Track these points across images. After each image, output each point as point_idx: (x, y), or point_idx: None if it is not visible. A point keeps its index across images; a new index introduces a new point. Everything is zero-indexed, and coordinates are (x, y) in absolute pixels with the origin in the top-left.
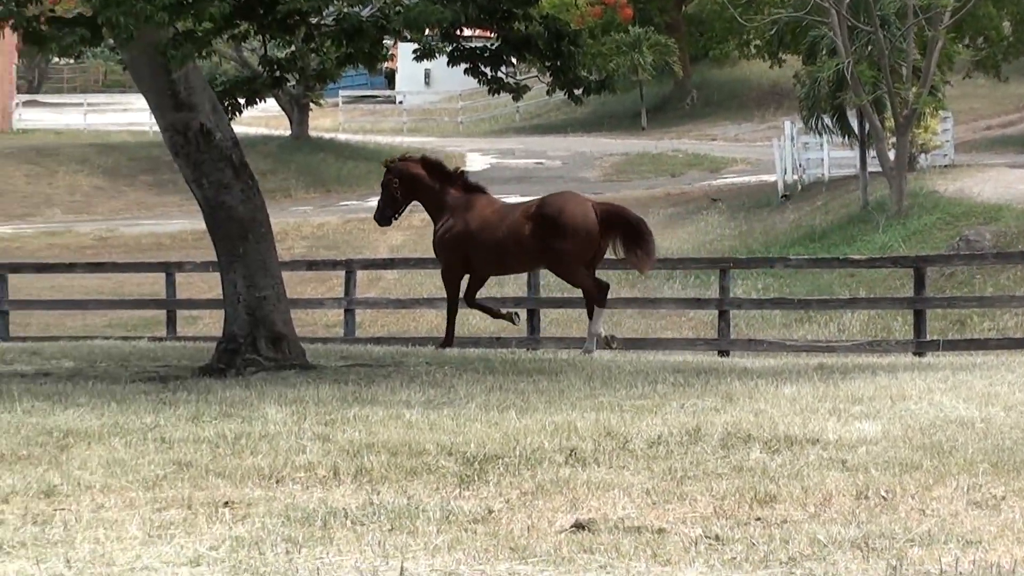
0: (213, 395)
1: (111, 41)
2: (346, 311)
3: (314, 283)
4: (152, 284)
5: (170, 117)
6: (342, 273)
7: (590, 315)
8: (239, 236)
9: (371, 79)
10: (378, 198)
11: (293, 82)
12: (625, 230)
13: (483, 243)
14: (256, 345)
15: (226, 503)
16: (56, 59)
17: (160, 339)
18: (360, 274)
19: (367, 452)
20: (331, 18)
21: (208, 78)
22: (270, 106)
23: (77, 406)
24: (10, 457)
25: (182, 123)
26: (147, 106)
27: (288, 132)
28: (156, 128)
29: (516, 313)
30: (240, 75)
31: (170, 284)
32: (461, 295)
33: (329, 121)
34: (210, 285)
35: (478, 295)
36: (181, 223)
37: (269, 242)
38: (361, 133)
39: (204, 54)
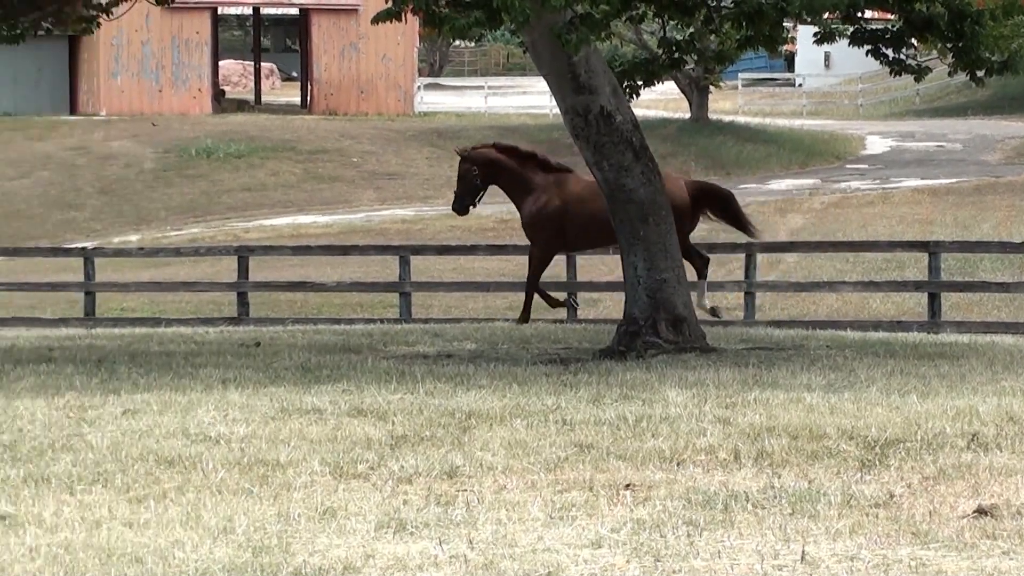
0: (614, 377)
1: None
2: (746, 294)
3: (713, 266)
4: (552, 267)
5: (570, 100)
6: (742, 256)
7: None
8: (639, 218)
9: (770, 61)
10: (455, 188)
11: (691, 64)
12: (715, 204)
13: (579, 218)
14: (656, 327)
15: (627, 485)
16: (456, 42)
17: (560, 321)
18: (760, 257)
19: (768, 435)
20: (731, 0)
21: (607, 60)
22: (669, 88)
23: (479, 388)
24: (413, 438)
25: (583, 106)
26: (547, 89)
27: (687, 115)
28: (556, 111)
29: (574, 301)
30: (638, 57)
31: (570, 266)
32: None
33: (728, 104)
34: (610, 267)
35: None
36: None
37: (669, 224)
38: (760, 116)
39: (602, 36)
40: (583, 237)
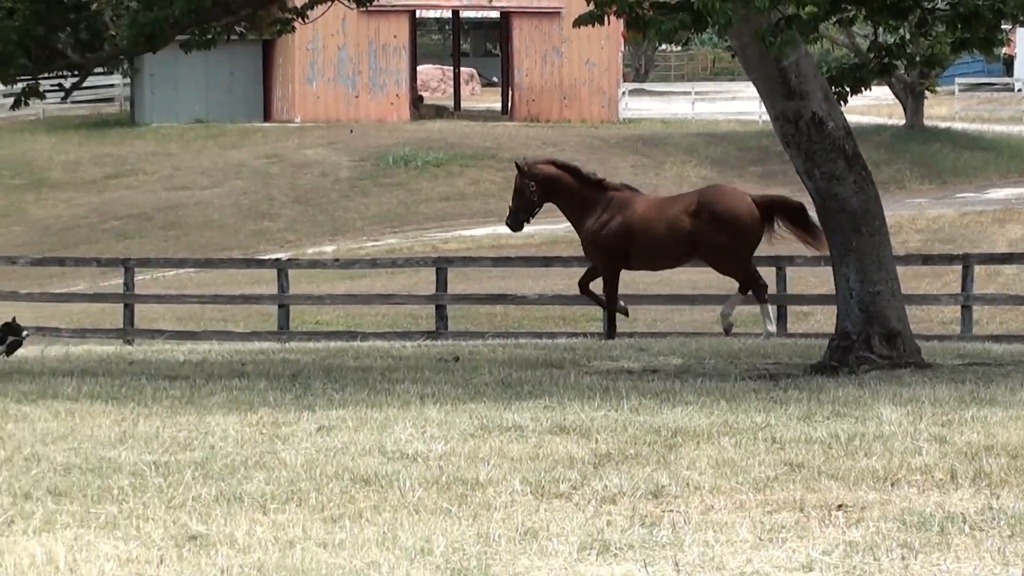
0: (825, 394)
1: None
2: (963, 307)
3: (928, 278)
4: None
5: (780, 106)
6: (958, 268)
7: (759, 299)
8: (851, 229)
9: (988, 66)
10: (512, 201)
11: (901, 69)
12: (786, 217)
13: (643, 238)
14: (869, 342)
15: (839, 506)
16: (662, 46)
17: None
18: (978, 269)
19: (986, 454)
20: (944, 2)
21: (816, 64)
22: (882, 94)
23: (685, 404)
24: (617, 456)
25: (793, 112)
26: (756, 94)
27: (902, 121)
28: (765, 117)
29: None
30: (846, 61)
31: (780, 279)
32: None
33: (944, 109)
34: (821, 280)
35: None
36: None
37: (883, 235)
38: (977, 122)
39: (810, 40)
40: (647, 257)
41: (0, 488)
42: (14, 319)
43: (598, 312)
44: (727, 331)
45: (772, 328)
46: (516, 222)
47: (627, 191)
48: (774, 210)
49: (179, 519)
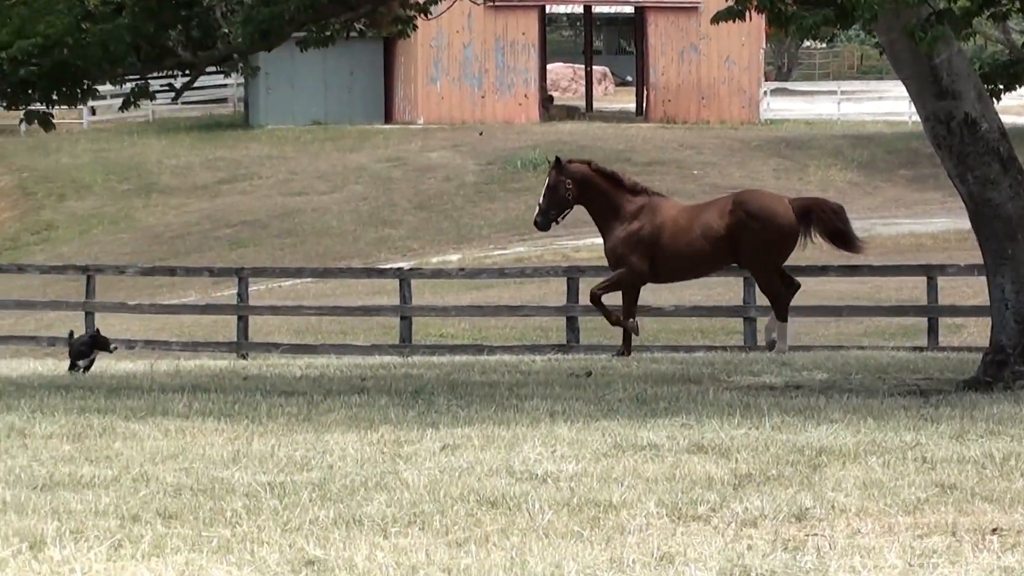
0: (979, 411)
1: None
2: None
3: None
4: (912, 289)
5: (931, 106)
6: None
7: (780, 316)
8: (1006, 236)
9: None
10: (542, 198)
11: None
12: (823, 220)
13: (675, 246)
14: None
15: (994, 530)
16: (806, 43)
17: (920, 349)
18: None
19: None
20: None
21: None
22: None
23: (830, 422)
24: (759, 477)
25: (944, 112)
26: (905, 93)
27: None
28: (915, 117)
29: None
30: (1000, 58)
31: (931, 289)
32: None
33: None
34: (975, 290)
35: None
36: (943, 222)
37: None
38: None
39: (962, 36)
40: (678, 267)
41: (108, 510)
42: (97, 331)
43: (738, 324)
44: (770, 347)
45: (785, 347)
46: (546, 221)
47: (657, 197)
48: (811, 212)
49: (295, 543)
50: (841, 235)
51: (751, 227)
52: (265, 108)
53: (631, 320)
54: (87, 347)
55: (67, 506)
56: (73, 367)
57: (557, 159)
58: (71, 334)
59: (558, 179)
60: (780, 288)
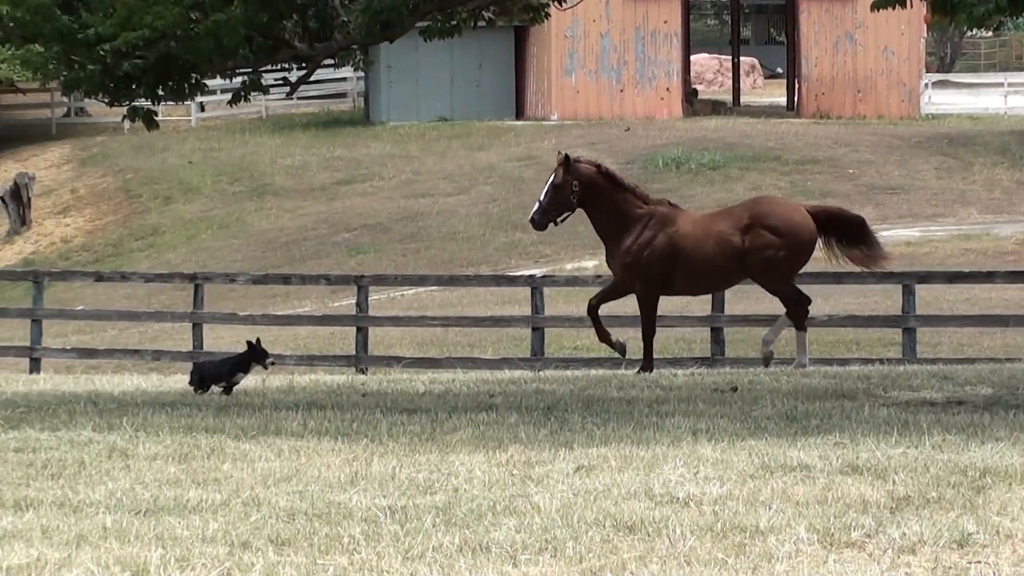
0: None
1: None
2: None
3: None
4: None
5: None
6: None
7: (798, 326)
8: None
9: None
10: (544, 195)
11: None
12: (843, 230)
13: (691, 259)
14: None
15: None
16: (970, 32)
17: None
18: None
19: None
20: None
21: None
22: None
23: (996, 440)
24: (918, 500)
25: None
26: None
27: None
28: None
29: (623, 344)
30: None
31: None
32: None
33: None
34: None
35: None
36: None
37: None
38: None
39: None
40: (693, 281)
41: (216, 536)
42: (258, 340)
43: (897, 336)
44: (766, 362)
45: (806, 360)
46: (544, 221)
47: (668, 208)
48: (831, 222)
49: (418, 571)
50: (863, 247)
51: (769, 238)
52: (387, 104)
53: (617, 340)
54: (242, 362)
55: (172, 532)
56: (229, 385)
57: (566, 156)
58: (256, 341)
59: (565, 178)
60: (799, 292)
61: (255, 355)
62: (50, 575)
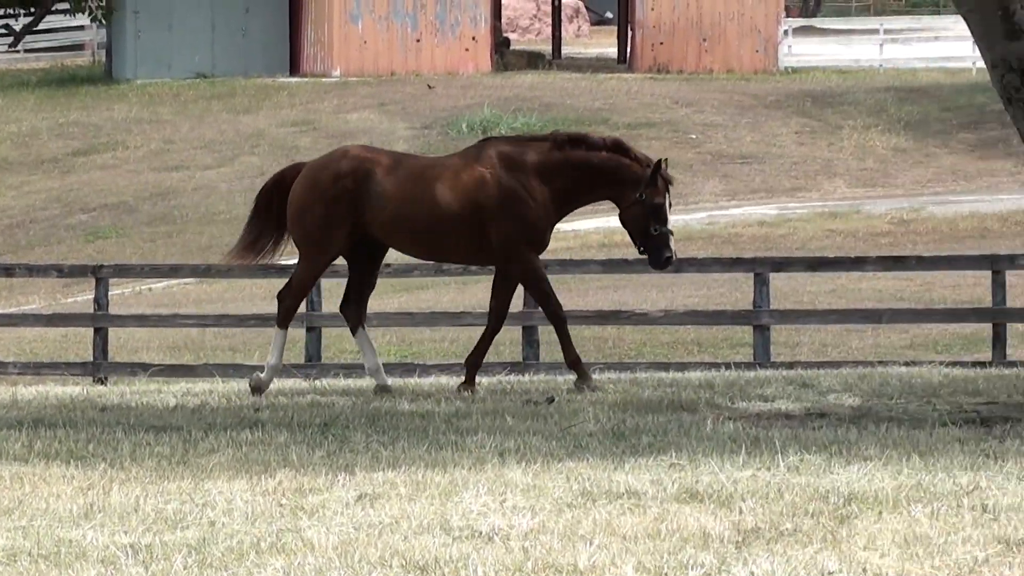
0: None
1: None
2: None
3: None
4: (973, 286)
5: (1001, 49)
6: None
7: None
8: None
9: None
10: None
11: None
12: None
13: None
14: None
15: None
16: None
17: (983, 364)
18: None
19: None
20: None
21: None
22: None
23: (863, 460)
24: (769, 532)
25: (1017, 57)
26: (967, 33)
27: None
28: (980, 64)
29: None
30: None
31: (997, 285)
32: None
33: None
34: None
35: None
36: (1014, 199)
37: None
38: None
39: None
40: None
41: None
42: None
43: (747, 335)
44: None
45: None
46: None
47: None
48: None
49: None
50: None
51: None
52: (134, 57)
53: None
54: None
55: None
56: None
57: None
58: None
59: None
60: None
61: None
62: None
